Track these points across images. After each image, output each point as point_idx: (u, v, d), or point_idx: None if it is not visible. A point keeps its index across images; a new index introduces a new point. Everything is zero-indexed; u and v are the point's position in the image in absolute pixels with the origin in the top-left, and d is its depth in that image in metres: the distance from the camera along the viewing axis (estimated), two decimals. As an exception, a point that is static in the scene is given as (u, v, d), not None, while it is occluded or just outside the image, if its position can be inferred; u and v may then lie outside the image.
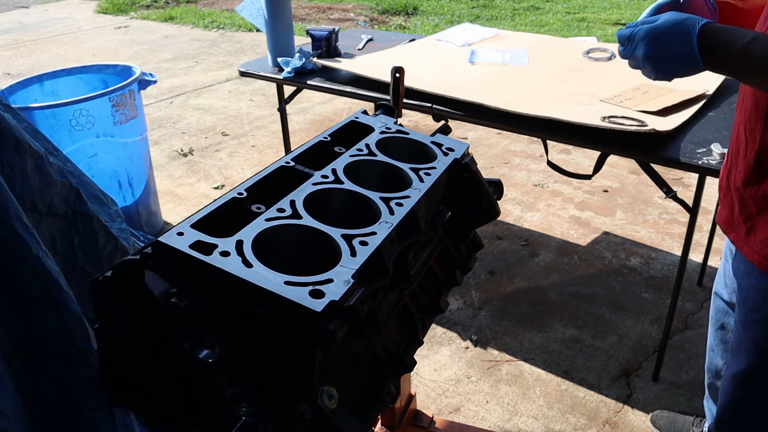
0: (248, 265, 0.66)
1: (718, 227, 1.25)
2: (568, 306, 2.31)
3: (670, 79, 0.98)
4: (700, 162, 1.52)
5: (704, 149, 1.58)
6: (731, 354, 1.23)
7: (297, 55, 2.35)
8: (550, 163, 2.06)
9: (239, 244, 0.69)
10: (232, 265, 0.66)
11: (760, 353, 1.13)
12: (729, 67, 0.92)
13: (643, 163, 1.67)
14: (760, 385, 1.17)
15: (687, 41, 0.91)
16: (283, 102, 2.54)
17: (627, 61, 1.01)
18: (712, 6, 1.18)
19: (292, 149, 0.93)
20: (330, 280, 0.66)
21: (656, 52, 0.94)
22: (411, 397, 1.63)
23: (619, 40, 1.01)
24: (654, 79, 1.00)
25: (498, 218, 1.34)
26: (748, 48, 0.88)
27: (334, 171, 0.88)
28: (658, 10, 1.12)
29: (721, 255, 1.38)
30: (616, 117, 1.70)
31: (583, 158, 3.43)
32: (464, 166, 0.99)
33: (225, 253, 0.67)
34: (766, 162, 1.02)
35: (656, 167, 1.66)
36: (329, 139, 1.00)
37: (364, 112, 1.12)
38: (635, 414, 1.83)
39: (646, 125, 1.63)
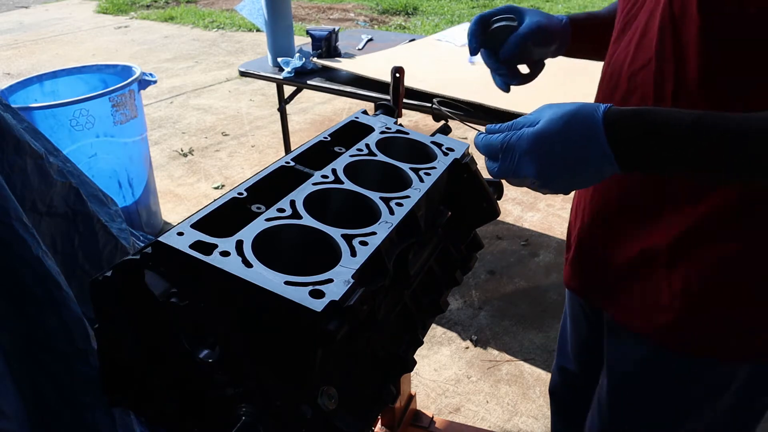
0: (248, 265, 0.66)
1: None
2: (568, 306, 2.31)
3: (567, 193, 0.72)
4: (700, 162, 1.52)
5: (704, 149, 1.58)
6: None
7: (297, 55, 2.35)
8: (550, 163, 2.05)
9: (239, 244, 0.69)
10: (232, 265, 0.65)
11: None
12: (671, 161, 0.65)
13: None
14: None
15: (594, 144, 0.65)
16: (283, 102, 2.54)
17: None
18: (560, 26, 0.96)
19: (292, 149, 0.93)
20: (330, 280, 0.66)
21: (551, 168, 0.67)
22: (411, 397, 1.63)
23: (486, 153, 0.72)
24: (545, 194, 0.75)
25: (498, 218, 1.34)
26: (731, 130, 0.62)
27: (334, 171, 0.88)
28: (482, 31, 0.95)
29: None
30: (616, 117, 1.70)
31: (583, 158, 3.43)
32: (464, 166, 0.99)
33: (225, 253, 0.67)
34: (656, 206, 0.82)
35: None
36: (329, 139, 1.00)
37: (364, 112, 1.12)
38: (635, 414, 1.82)
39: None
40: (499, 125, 0.72)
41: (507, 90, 1.00)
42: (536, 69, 0.99)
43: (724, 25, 0.68)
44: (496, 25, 0.95)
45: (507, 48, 0.92)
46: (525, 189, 3.22)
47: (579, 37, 0.98)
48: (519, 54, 0.93)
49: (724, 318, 0.80)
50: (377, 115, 1.14)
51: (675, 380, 0.87)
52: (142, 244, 0.97)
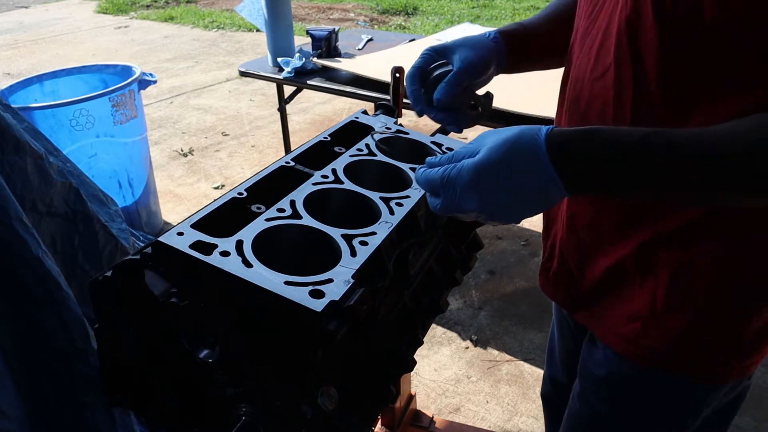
0: (248, 265, 0.66)
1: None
2: (568, 306, 2.31)
3: (518, 222, 0.67)
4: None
5: (704, 149, 1.58)
6: None
7: (297, 55, 2.35)
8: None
9: (239, 244, 0.69)
10: (232, 265, 0.66)
11: None
12: (620, 180, 0.61)
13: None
14: None
15: (538, 169, 0.61)
16: (283, 102, 2.54)
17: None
18: (491, 45, 0.93)
19: (292, 149, 0.93)
20: (330, 280, 0.66)
21: (496, 199, 0.63)
22: (411, 397, 1.64)
23: (427, 189, 0.69)
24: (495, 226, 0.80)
25: (498, 218, 1.33)
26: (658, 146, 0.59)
27: (334, 171, 0.88)
28: (423, 72, 0.91)
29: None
30: (616, 117, 1.69)
31: (583, 158, 3.43)
32: (464, 166, 0.99)
33: (225, 253, 0.67)
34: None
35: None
36: (329, 139, 1.00)
37: (364, 112, 1.12)
38: (635, 414, 1.83)
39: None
40: (439, 157, 0.69)
41: (460, 131, 0.98)
42: (486, 104, 0.95)
43: (680, 31, 0.66)
44: (435, 74, 0.91)
45: (441, 96, 0.88)
46: (525, 189, 3.22)
47: (514, 50, 0.95)
48: (457, 97, 0.89)
49: (683, 333, 0.78)
50: (377, 115, 1.14)
51: (641, 395, 0.85)
52: (142, 244, 0.97)
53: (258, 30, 6.46)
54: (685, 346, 0.79)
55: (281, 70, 2.36)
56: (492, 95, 0.96)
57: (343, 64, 2.31)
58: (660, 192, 0.62)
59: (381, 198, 0.83)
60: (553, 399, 1.24)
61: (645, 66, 0.70)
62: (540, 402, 1.90)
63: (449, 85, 0.88)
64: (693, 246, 0.74)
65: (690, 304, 0.76)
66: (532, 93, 1.95)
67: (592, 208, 0.83)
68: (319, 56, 2.42)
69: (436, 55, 0.92)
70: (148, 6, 8.29)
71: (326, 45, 2.44)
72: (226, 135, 4.05)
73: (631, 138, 0.60)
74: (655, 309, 0.78)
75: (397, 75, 1.17)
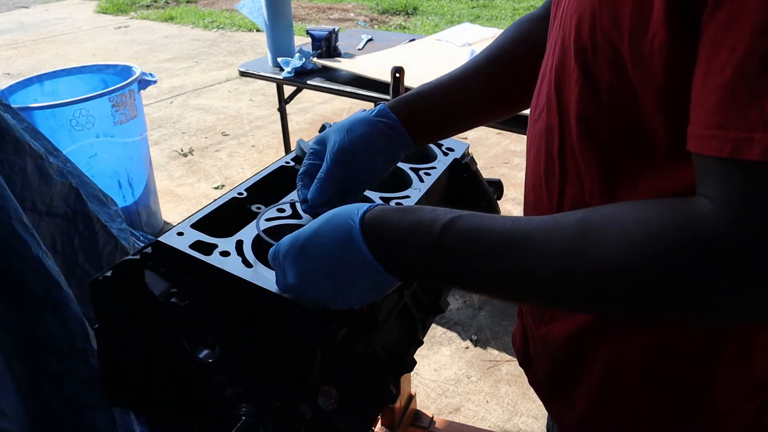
0: (248, 265, 0.66)
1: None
2: (568, 306, 2.31)
3: (358, 307, 0.60)
4: (700, 162, 1.51)
5: (704, 149, 1.57)
6: None
7: (297, 55, 2.35)
8: (550, 163, 2.04)
9: (239, 244, 0.69)
10: (232, 265, 0.66)
11: None
12: (430, 273, 0.53)
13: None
14: None
15: (353, 252, 0.54)
16: (283, 102, 2.55)
17: None
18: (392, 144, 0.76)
19: (292, 149, 0.93)
20: (330, 280, 0.66)
21: (312, 277, 0.57)
22: (411, 397, 1.64)
23: (270, 263, 0.63)
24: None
25: (498, 218, 1.33)
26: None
27: (334, 171, 0.88)
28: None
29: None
30: (616, 117, 1.69)
31: (583, 158, 3.43)
32: (464, 166, 0.99)
33: (225, 253, 0.67)
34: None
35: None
36: (329, 139, 0.99)
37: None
38: (635, 414, 1.82)
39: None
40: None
41: None
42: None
43: (600, 80, 0.54)
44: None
45: (314, 197, 0.74)
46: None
47: (424, 137, 0.81)
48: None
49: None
50: (377, 115, 1.14)
51: None
52: (142, 244, 0.97)
53: (258, 30, 6.46)
54: None
55: (281, 70, 2.36)
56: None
57: (343, 64, 2.32)
58: (476, 289, 0.54)
59: (381, 198, 0.84)
60: None
61: (569, 116, 0.59)
62: (540, 402, 1.90)
63: (321, 183, 0.73)
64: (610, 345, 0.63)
65: (614, 401, 0.66)
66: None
67: None
68: (319, 56, 2.42)
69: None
70: (148, 6, 8.29)
71: (326, 45, 2.44)
72: (226, 135, 4.05)
73: (434, 225, 0.52)
74: (588, 397, 0.68)
75: (397, 75, 1.18)
